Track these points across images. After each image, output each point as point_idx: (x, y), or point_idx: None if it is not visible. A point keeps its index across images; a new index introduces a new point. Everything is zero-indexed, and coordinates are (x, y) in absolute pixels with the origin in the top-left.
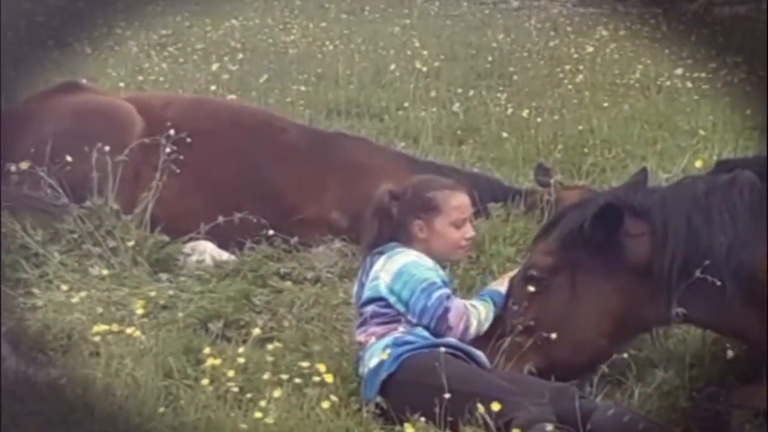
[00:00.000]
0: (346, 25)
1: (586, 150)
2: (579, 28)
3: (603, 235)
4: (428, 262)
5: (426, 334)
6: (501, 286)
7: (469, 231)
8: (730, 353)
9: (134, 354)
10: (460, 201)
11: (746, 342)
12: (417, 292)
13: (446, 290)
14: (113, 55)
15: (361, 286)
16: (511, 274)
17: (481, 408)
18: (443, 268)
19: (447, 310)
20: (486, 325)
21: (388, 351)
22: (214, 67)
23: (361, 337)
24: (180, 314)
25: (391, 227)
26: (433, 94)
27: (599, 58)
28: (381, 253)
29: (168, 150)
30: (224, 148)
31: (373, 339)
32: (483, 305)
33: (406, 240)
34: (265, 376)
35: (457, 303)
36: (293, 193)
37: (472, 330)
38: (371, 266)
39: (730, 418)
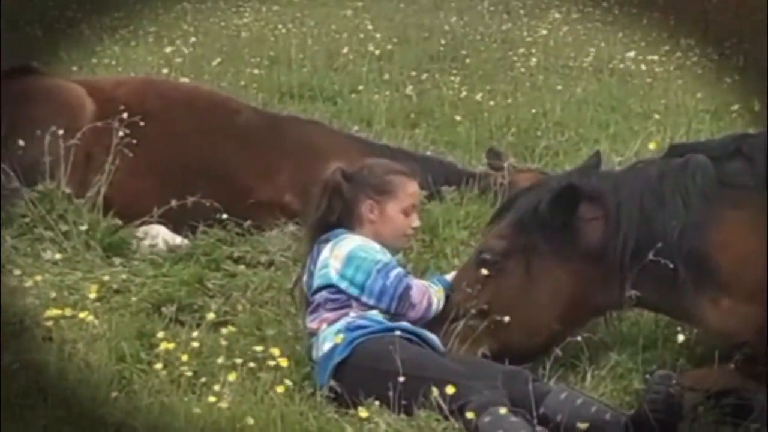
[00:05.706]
0: (298, 8)
1: (539, 133)
2: (532, 11)
3: (559, 217)
4: (375, 245)
5: (380, 318)
6: (449, 274)
7: (415, 220)
8: (680, 337)
9: (87, 338)
10: (413, 189)
11: (697, 325)
12: (373, 274)
13: (401, 269)
14: (65, 38)
15: (310, 274)
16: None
17: (435, 392)
18: (394, 254)
19: (408, 287)
20: (440, 307)
21: (341, 335)
22: (167, 50)
23: (313, 324)
24: (133, 298)
25: (340, 206)
26: (386, 77)
27: (552, 41)
28: (327, 241)
29: (120, 134)
30: (177, 129)
31: (324, 325)
32: (437, 286)
33: (354, 222)
34: (219, 361)
35: (416, 281)
36: (246, 175)
37: (434, 308)
38: (318, 254)
39: (683, 401)
